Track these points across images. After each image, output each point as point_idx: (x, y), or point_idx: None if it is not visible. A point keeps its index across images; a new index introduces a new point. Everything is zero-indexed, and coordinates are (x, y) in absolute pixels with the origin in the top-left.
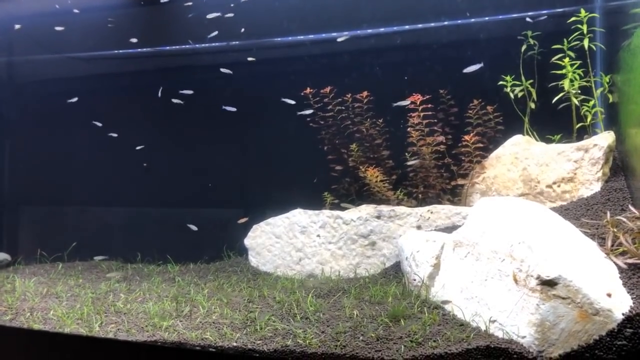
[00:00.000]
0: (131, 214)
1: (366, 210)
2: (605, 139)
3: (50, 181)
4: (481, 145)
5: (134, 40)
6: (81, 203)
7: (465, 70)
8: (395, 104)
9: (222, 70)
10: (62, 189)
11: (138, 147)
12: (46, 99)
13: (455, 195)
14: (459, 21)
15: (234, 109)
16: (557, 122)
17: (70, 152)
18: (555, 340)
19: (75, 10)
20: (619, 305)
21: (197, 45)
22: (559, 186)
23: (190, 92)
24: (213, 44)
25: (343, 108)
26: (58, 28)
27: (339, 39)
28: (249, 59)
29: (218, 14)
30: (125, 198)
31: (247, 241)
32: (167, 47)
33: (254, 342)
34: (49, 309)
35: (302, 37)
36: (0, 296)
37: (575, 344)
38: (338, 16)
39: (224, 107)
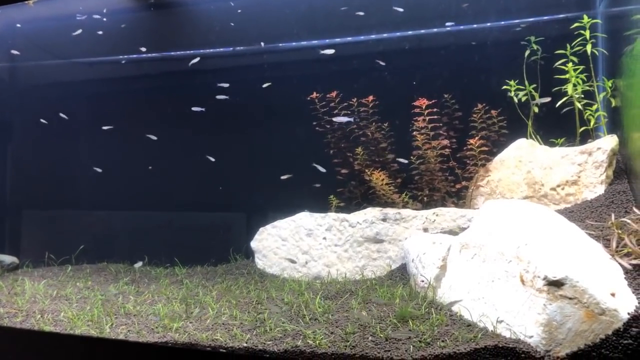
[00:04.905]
0: (138, 217)
1: (372, 213)
2: (608, 142)
3: (56, 185)
4: (485, 148)
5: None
6: (87, 207)
7: (335, 119)
8: (534, 102)
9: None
10: (68, 192)
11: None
12: (51, 103)
13: (460, 198)
14: (463, 26)
15: (202, 109)
16: (560, 126)
17: (76, 155)
18: (562, 340)
19: (79, 16)
20: (625, 304)
21: (204, 50)
22: (563, 189)
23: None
24: (218, 49)
25: (349, 112)
26: (75, 33)
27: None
28: (324, 51)
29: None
30: (132, 201)
31: (254, 244)
32: (174, 52)
33: (264, 343)
34: (59, 311)
35: (309, 42)
36: (10, 298)
37: (582, 343)
38: (345, 21)
39: (192, 108)
